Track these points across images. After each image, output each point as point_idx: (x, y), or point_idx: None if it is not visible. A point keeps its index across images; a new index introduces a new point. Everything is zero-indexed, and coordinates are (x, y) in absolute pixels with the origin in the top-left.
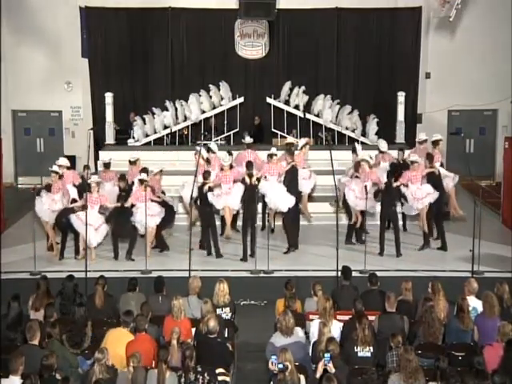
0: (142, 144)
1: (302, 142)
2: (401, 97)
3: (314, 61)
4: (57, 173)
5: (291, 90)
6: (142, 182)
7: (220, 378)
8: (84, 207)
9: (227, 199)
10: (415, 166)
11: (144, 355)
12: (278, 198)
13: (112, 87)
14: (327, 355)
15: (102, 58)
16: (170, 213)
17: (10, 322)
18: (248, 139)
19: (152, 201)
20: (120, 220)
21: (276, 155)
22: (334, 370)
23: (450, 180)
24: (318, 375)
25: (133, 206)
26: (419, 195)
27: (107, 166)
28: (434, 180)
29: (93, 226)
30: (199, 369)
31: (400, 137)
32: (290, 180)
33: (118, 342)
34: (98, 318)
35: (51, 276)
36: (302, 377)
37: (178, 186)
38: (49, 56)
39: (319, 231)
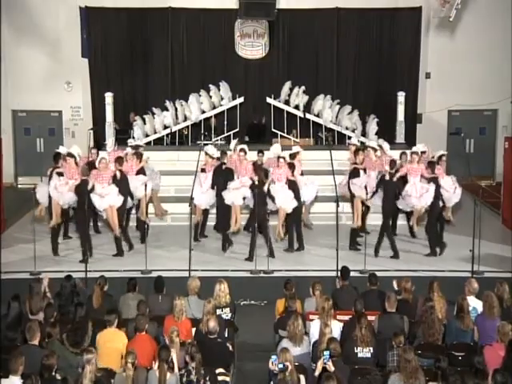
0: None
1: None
2: (401, 97)
3: (314, 60)
4: (73, 156)
5: (291, 89)
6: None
7: (220, 378)
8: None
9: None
10: (414, 157)
11: (144, 355)
12: (198, 196)
13: (112, 87)
14: (326, 353)
15: (102, 58)
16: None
17: (10, 321)
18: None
19: (115, 183)
20: (80, 192)
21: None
22: (333, 369)
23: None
24: (316, 373)
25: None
26: (415, 193)
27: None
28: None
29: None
30: (202, 371)
31: (400, 137)
32: (217, 179)
33: (110, 343)
34: (98, 318)
35: (51, 276)
36: (302, 377)
37: (178, 186)
38: (49, 56)
39: (319, 231)
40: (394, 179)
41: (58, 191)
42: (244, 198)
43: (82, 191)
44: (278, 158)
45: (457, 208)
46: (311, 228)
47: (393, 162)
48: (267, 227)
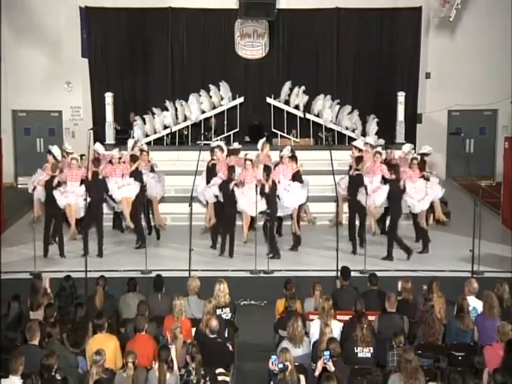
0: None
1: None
2: (401, 97)
3: (314, 60)
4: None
5: (291, 89)
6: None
7: (220, 378)
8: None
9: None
10: (377, 156)
11: (144, 355)
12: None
13: (112, 87)
14: (326, 353)
15: (102, 58)
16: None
17: (10, 321)
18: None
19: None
20: (47, 188)
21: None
22: (333, 369)
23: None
24: (316, 373)
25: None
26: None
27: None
28: (392, 191)
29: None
30: (202, 372)
31: (400, 137)
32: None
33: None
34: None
35: (51, 276)
36: (302, 377)
37: (178, 186)
38: (49, 56)
39: (319, 231)
40: (353, 174)
41: (33, 184)
42: (217, 197)
43: (49, 187)
44: (245, 160)
45: (457, 208)
46: (299, 236)
47: (358, 159)
48: (230, 227)
